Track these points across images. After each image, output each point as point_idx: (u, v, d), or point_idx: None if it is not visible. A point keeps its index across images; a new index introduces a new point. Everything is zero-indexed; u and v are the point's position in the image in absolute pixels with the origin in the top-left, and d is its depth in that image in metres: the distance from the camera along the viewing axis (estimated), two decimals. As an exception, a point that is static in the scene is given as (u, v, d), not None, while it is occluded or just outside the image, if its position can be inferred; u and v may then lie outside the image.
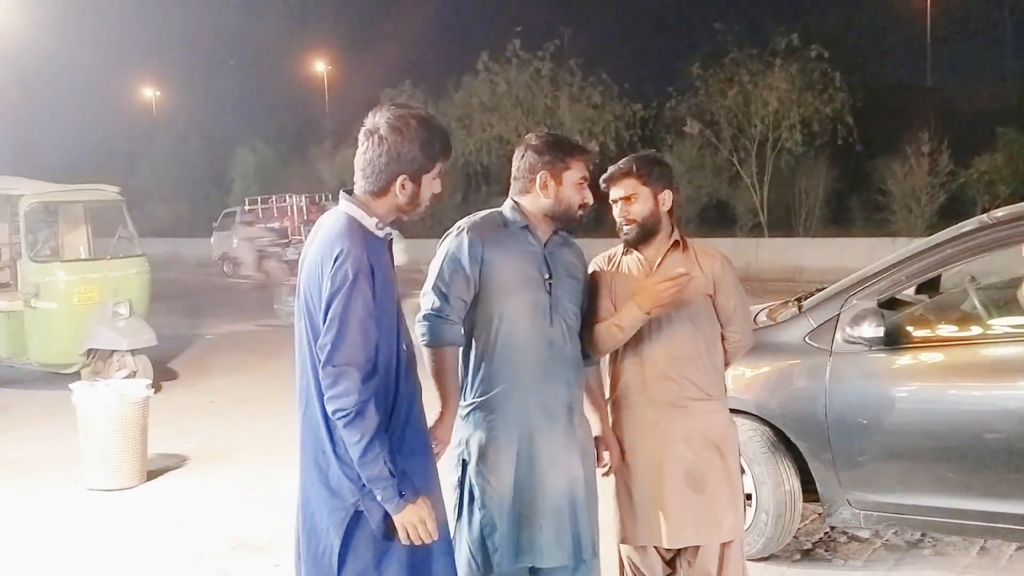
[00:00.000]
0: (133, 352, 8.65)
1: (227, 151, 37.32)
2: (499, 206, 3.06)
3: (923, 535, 4.52)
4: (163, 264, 18.08)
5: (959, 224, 4.50)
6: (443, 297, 2.88)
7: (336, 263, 2.40)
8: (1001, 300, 4.53)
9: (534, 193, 2.98)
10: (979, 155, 21.95)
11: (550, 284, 2.95)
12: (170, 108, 47.10)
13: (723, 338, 3.28)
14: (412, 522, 2.43)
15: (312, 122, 41.45)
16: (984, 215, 4.40)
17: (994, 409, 3.88)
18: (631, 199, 3.19)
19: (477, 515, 2.89)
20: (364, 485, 2.43)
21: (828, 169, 23.88)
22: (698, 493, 3.15)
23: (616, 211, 3.24)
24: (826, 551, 4.49)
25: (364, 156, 2.55)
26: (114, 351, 8.69)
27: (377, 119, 2.54)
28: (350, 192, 2.59)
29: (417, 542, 2.45)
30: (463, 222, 2.99)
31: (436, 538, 2.49)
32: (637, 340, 3.15)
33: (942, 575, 4.19)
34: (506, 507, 2.87)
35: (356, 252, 2.41)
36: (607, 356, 3.28)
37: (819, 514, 4.50)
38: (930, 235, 4.70)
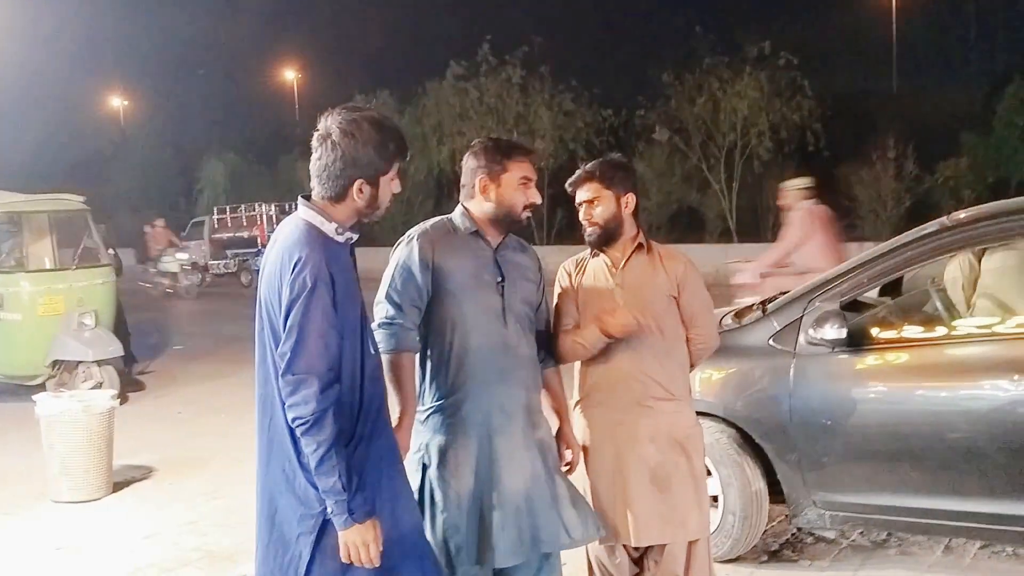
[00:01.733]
0: (99, 363, 8.56)
1: (196, 160, 37.11)
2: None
3: (889, 535, 4.56)
4: (132, 274, 17.90)
5: (920, 227, 4.55)
6: (396, 305, 2.91)
7: (295, 271, 2.38)
8: (958, 301, 4.59)
9: (477, 198, 3.01)
10: (944, 160, 22.27)
11: (502, 287, 2.98)
12: (138, 117, 46.69)
13: (688, 340, 3.32)
14: (355, 542, 2.40)
15: (282, 130, 41.19)
16: (944, 218, 4.45)
17: (956, 409, 3.92)
18: (594, 202, 3.26)
19: (439, 518, 2.90)
20: None
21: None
22: (663, 492, 3.20)
23: (581, 214, 3.31)
24: (793, 552, 4.52)
25: (319, 162, 2.53)
26: (80, 362, 8.60)
27: (328, 123, 2.51)
28: (308, 198, 2.56)
29: (357, 564, 2.42)
30: (414, 230, 3.02)
31: (376, 564, 2.44)
32: (607, 344, 3.19)
33: (908, 574, 4.23)
34: (466, 508, 2.89)
35: (314, 259, 2.39)
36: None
37: (786, 515, 4.52)
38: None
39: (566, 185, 3.32)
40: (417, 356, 2.99)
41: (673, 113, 24.34)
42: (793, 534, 4.69)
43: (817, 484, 4.14)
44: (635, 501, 3.20)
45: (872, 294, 4.69)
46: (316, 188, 2.55)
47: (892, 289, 4.90)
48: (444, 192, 28.26)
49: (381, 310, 2.93)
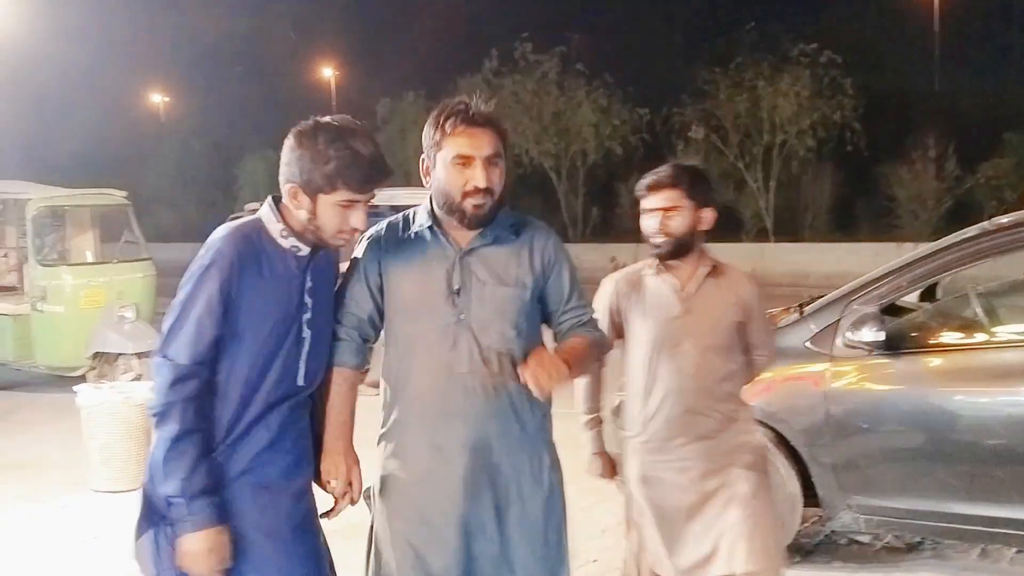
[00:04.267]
0: (139, 355, 8.70)
1: (235, 157, 37.46)
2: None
3: (923, 539, 4.52)
4: (171, 269, 18.14)
5: (961, 231, 4.52)
6: (336, 315, 2.51)
7: (200, 253, 2.28)
8: (1002, 306, 4.54)
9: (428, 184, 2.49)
10: (986, 160, 21.95)
11: (457, 295, 2.42)
12: (178, 113, 47.20)
13: (749, 359, 3.18)
14: (190, 551, 2.19)
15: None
16: (985, 222, 4.41)
17: (995, 414, 3.90)
18: (672, 211, 2.98)
19: (373, 562, 2.54)
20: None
21: (834, 174, 23.90)
22: (730, 523, 2.98)
23: (650, 221, 3.02)
24: (826, 554, 4.50)
25: None
26: (120, 354, 8.74)
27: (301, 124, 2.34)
28: (277, 198, 2.38)
29: (188, 573, 2.22)
30: (371, 229, 2.53)
31: None
32: (668, 375, 3.02)
33: (941, 579, 4.20)
34: (397, 559, 2.47)
35: (225, 248, 2.25)
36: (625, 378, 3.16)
37: (819, 517, 4.50)
38: (936, 240, 4.72)
39: (638, 187, 3.07)
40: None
41: (711, 111, 24.22)
42: (826, 536, 4.67)
43: (852, 487, 4.12)
44: (700, 534, 3.00)
45: (911, 298, 4.66)
46: None
47: (931, 294, 4.87)
48: (479, 189, 28.22)
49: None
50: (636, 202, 3.12)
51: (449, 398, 2.42)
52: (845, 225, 24.18)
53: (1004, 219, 4.37)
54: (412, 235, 2.49)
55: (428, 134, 2.43)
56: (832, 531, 4.60)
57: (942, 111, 25.07)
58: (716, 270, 3.06)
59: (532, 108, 26.60)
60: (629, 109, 26.24)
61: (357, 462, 2.47)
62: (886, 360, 4.07)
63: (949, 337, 4.19)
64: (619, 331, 3.14)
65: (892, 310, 4.39)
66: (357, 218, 2.30)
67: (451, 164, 2.38)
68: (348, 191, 2.25)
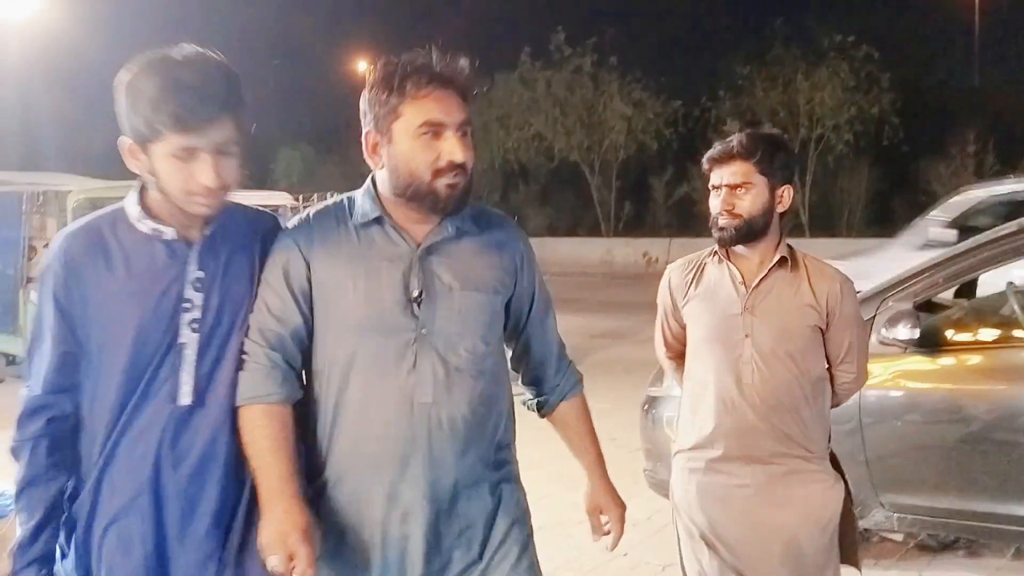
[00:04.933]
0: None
1: (270, 149, 37.80)
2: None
3: (957, 538, 4.50)
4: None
5: (999, 227, 4.48)
6: (250, 335, 1.93)
7: None
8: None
9: (373, 164, 1.98)
10: (1027, 156, 21.64)
11: (419, 304, 1.92)
12: (214, 106, 47.75)
13: (831, 377, 2.70)
14: None
15: (354, 121, 41.71)
16: (1022, 219, 4.37)
17: (1030, 413, 3.87)
18: (741, 188, 2.53)
19: None
20: None
21: (871, 169, 23.68)
22: (791, 572, 2.62)
23: (716, 200, 2.58)
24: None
25: None
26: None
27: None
28: None
29: None
30: (294, 219, 2.04)
31: None
32: (723, 383, 2.59)
33: (975, 578, 4.18)
34: None
35: (51, 251, 1.88)
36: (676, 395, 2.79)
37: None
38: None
39: (704, 160, 2.61)
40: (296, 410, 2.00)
41: (746, 104, 24.08)
42: (859, 534, 4.65)
43: (885, 485, 4.11)
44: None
45: (947, 296, 4.63)
46: None
47: (968, 291, 4.83)
48: (510, 183, 28.32)
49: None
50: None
51: (408, 436, 1.91)
52: (882, 220, 23.92)
53: (1042, 216, 4.32)
54: (352, 228, 1.96)
55: (376, 99, 1.90)
56: (865, 529, 4.58)
57: (982, 105, 24.74)
58: (791, 261, 2.59)
59: (565, 102, 26.58)
60: (663, 102, 26.15)
61: (304, 525, 1.86)
62: (921, 357, 4.05)
63: (985, 334, 4.16)
64: (681, 340, 2.76)
65: (928, 307, 4.36)
66: (202, 171, 1.77)
67: (416, 135, 1.88)
68: (174, 133, 1.74)
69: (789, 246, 2.61)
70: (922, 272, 4.27)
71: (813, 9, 26.53)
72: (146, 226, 1.86)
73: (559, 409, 2.24)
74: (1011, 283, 4.67)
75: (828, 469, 2.66)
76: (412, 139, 1.88)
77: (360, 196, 2.00)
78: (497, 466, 2.06)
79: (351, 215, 1.98)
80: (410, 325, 1.92)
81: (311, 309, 1.95)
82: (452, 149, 1.89)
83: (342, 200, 2.02)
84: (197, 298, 1.86)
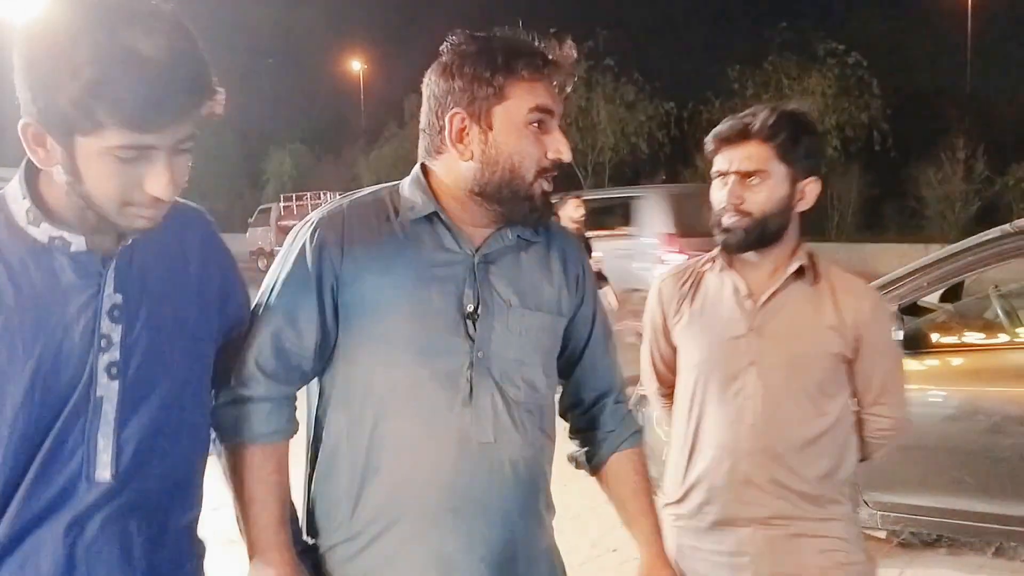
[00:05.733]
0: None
1: (262, 149, 37.82)
2: None
3: (940, 536, 4.58)
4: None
5: (983, 232, 4.57)
6: (258, 361, 1.57)
7: None
8: (1021, 307, 4.60)
9: (448, 153, 1.60)
10: (1017, 162, 21.84)
11: (474, 322, 1.58)
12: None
13: (860, 421, 2.11)
14: None
15: (346, 121, 41.91)
16: (1007, 224, 4.46)
17: (1011, 413, 3.96)
18: (753, 177, 1.96)
19: None
20: None
21: (862, 174, 23.87)
22: None
23: (721, 191, 2.00)
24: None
25: None
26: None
27: None
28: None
29: None
30: (316, 213, 1.64)
31: None
32: (717, 423, 2.04)
33: (956, 574, 4.26)
34: None
35: None
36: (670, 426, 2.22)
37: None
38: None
39: (707, 140, 2.05)
40: (317, 446, 1.65)
41: (738, 108, 24.23)
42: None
43: (868, 484, 4.19)
44: None
45: (934, 299, 4.72)
46: None
47: (953, 295, 4.93)
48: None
49: (234, 372, 1.57)
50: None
51: (465, 483, 1.56)
52: (873, 225, 24.16)
53: (1022, 222, 4.41)
54: (398, 224, 1.60)
55: (474, 75, 1.55)
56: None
57: (972, 112, 24.96)
58: (811, 272, 2.02)
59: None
60: (656, 105, 26.28)
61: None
62: (904, 359, 4.12)
63: (967, 337, 4.26)
64: (674, 369, 2.18)
65: (914, 311, 4.45)
66: (155, 176, 1.25)
67: (525, 122, 1.56)
68: (123, 128, 1.19)
69: (810, 253, 2.04)
70: (906, 276, 4.35)
71: (806, 15, 26.62)
72: (43, 232, 1.30)
73: (612, 462, 1.81)
74: (995, 287, 4.78)
75: (856, 542, 2.07)
76: (520, 127, 1.56)
77: (408, 187, 1.63)
78: (546, 525, 1.72)
79: (393, 209, 1.61)
80: (463, 347, 1.57)
81: (337, 322, 1.57)
82: (559, 144, 1.59)
83: (382, 191, 1.65)
84: (115, 333, 1.32)
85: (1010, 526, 4.00)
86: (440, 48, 1.61)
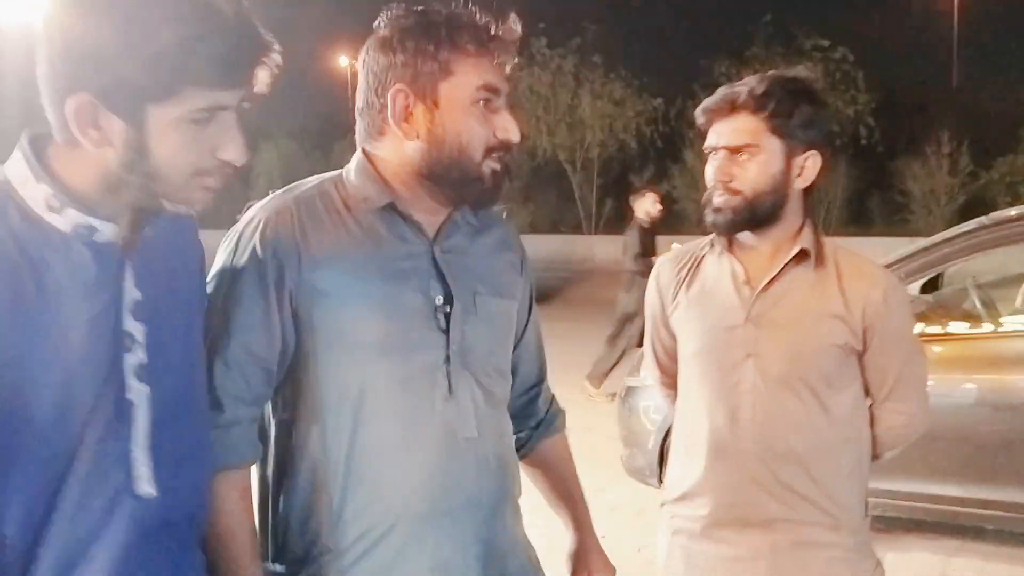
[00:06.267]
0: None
1: (251, 144, 37.78)
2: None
3: (918, 520, 4.70)
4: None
5: (961, 224, 4.70)
6: (222, 375, 1.43)
7: None
8: (998, 298, 4.72)
9: (391, 133, 1.49)
10: (1002, 156, 22.03)
11: (447, 314, 1.50)
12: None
13: (873, 419, 1.95)
14: None
15: (335, 117, 41.84)
16: (983, 216, 4.58)
17: (986, 401, 4.09)
18: (744, 152, 1.82)
19: None
20: None
21: (848, 169, 24.03)
22: None
23: (711, 168, 1.87)
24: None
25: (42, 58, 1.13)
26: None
27: None
28: (45, 138, 1.18)
29: None
30: (255, 211, 1.50)
31: None
32: (715, 418, 1.90)
33: (934, 558, 4.38)
34: None
35: None
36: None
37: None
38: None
39: (698, 112, 1.91)
40: (258, 469, 1.52)
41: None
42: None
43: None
44: None
45: (914, 291, 4.83)
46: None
47: (934, 286, 5.05)
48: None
49: None
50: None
51: (454, 482, 1.49)
52: (859, 219, 24.32)
53: (1000, 214, 4.54)
54: (352, 218, 1.49)
55: (417, 49, 1.44)
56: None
57: (958, 106, 25.16)
58: (814, 256, 1.85)
59: (547, 100, 26.78)
60: (644, 100, 26.41)
61: None
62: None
63: (944, 327, 4.37)
64: (673, 355, 2.06)
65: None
66: (230, 138, 1.19)
67: (472, 100, 1.46)
68: (208, 87, 1.13)
69: (817, 235, 1.89)
70: (886, 267, 4.47)
71: (793, 9, 26.80)
72: (67, 219, 1.15)
73: (541, 447, 1.78)
74: (973, 278, 4.90)
75: (863, 549, 1.94)
76: (466, 106, 1.45)
77: (354, 176, 1.52)
78: (519, 512, 1.65)
79: (343, 201, 1.50)
80: (439, 341, 1.48)
81: (295, 329, 1.45)
82: (508, 124, 1.48)
83: (326, 183, 1.53)
84: (139, 332, 1.20)
85: (988, 510, 4.13)
86: (376, 22, 1.49)
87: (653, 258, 7.21)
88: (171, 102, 1.11)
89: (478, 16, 1.47)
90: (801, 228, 1.88)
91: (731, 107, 1.82)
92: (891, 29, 31.23)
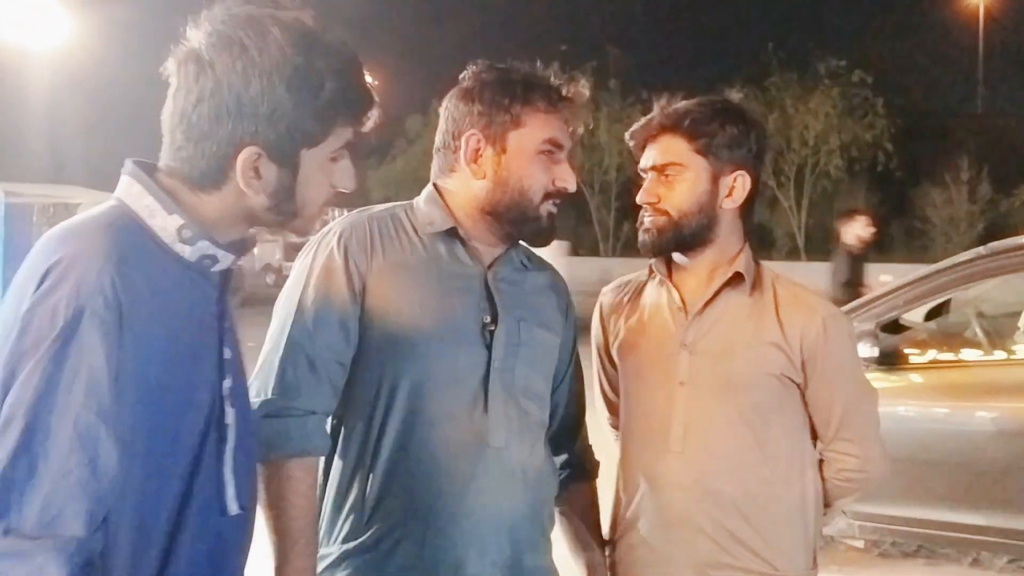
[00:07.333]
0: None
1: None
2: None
3: (919, 546, 4.73)
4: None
5: (961, 254, 4.76)
6: (295, 375, 1.56)
7: (41, 289, 1.09)
8: (996, 326, 4.78)
9: (462, 172, 1.67)
10: (1023, 183, 21.97)
11: (491, 334, 1.64)
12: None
13: (823, 462, 1.83)
14: None
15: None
16: (981, 247, 4.65)
17: (983, 428, 4.13)
18: (667, 171, 1.80)
19: None
20: None
21: (868, 194, 24.01)
22: None
23: (641, 192, 1.86)
24: (821, 558, 4.69)
25: (177, 104, 1.22)
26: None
27: (202, 34, 1.21)
28: (149, 168, 1.24)
29: None
30: (333, 226, 1.68)
31: None
32: (647, 451, 1.82)
33: (932, 584, 4.42)
34: None
35: (88, 266, 1.10)
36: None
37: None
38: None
39: (628, 134, 1.94)
40: (323, 461, 1.65)
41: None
42: (822, 541, 4.87)
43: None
44: None
45: (919, 319, 4.89)
46: (167, 153, 1.24)
47: (939, 314, 5.10)
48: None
49: (264, 384, 1.56)
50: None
51: (483, 488, 1.59)
52: (878, 245, 24.19)
53: (998, 244, 4.60)
54: (418, 238, 1.67)
55: (494, 101, 1.64)
56: (828, 536, 4.81)
57: (979, 133, 25.10)
58: (750, 281, 1.80)
59: (566, 123, 26.95)
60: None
61: None
62: (880, 374, 4.30)
63: (941, 355, 4.44)
64: (618, 389, 1.95)
65: (896, 329, 4.62)
66: (347, 170, 1.33)
67: (537, 150, 1.65)
68: (348, 126, 1.29)
69: (756, 260, 1.84)
70: (884, 295, 4.54)
71: (810, 34, 26.90)
72: (196, 250, 1.22)
73: (570, 491, 1.84)
74: (974, 305, 4.96)
75: None
76: (531, 155, 1.65)
77: (424, 204, 1.70)
78: (549, 539, 1.74)
79: (410, 224, 1.68)
80: (481, 356, 1.63)
81: (362, 329, 1.61)
82: (566, 175, 1.69)
83: (397, 208, 1.72)
84: (229, 356, 1.28)
85: (987, 537, 4.16)
86: (460, 75, 1.71)
87: (862, 288, 6.78)
88: (322, 146, 1.25)
89: (552, 78, 1.68)
90: (739, 252, 1.82)
91: (659, 128, 1.82)
92: (911, 54, 31.20)
